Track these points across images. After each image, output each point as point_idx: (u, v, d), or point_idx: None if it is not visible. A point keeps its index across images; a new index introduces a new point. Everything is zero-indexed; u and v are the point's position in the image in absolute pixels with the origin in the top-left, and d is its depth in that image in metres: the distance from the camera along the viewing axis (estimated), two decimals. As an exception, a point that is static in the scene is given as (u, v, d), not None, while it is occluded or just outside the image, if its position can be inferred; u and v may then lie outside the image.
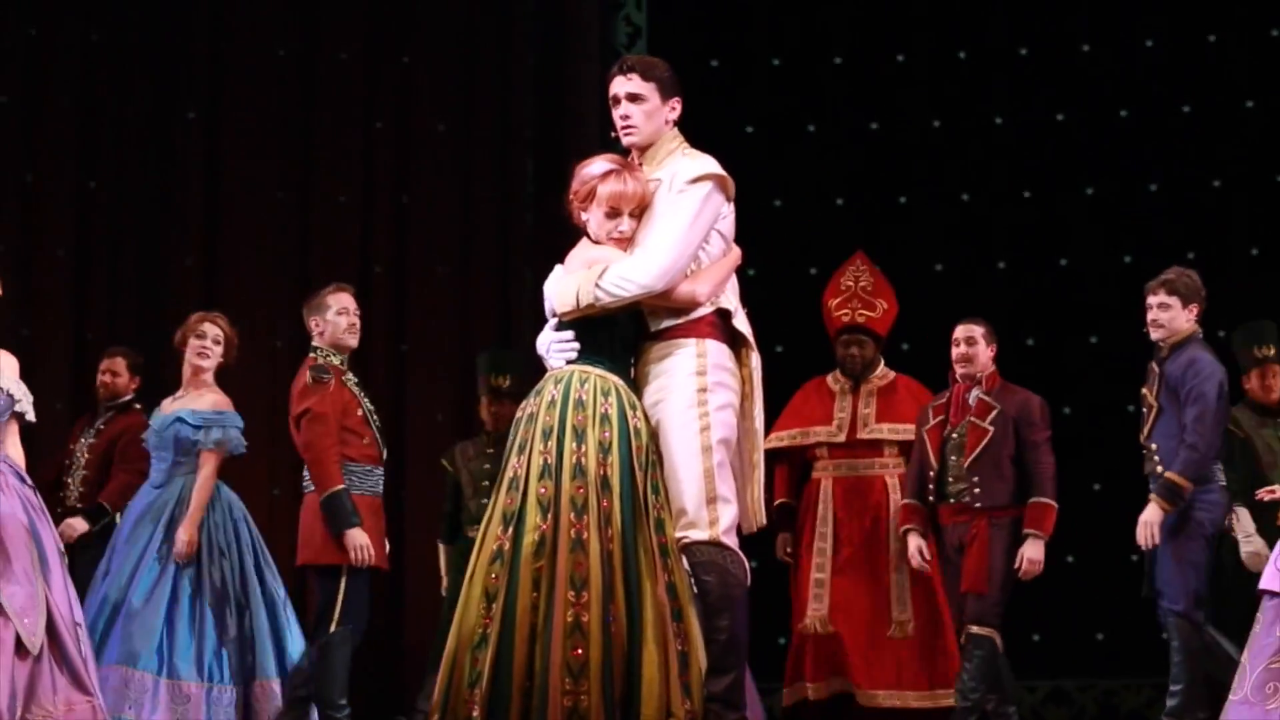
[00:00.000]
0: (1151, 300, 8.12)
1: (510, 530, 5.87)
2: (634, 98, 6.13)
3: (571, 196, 6.12)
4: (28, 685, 6.77)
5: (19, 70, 10.82)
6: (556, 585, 5.77)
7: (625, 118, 6.14)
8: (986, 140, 10.94)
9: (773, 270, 9.87)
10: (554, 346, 6.07)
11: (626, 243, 6.06)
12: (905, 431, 8.81)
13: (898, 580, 8.70)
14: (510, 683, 5.77)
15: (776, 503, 8.81)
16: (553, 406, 5.94)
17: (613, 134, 6.33)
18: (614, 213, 6.05)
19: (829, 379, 9.09)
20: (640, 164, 6.17)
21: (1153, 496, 7.95)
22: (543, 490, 5.86)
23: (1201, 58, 10.81)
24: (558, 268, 6.15)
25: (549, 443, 5.89)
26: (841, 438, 8.91)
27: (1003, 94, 10.95)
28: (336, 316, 8.31)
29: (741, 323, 6.11)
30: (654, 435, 5.97)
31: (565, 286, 6.00)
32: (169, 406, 8.54)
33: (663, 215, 6.01)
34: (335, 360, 8.29)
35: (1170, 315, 8.10)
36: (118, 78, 10.89)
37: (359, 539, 8.00)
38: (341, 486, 8.07)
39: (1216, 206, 10.73)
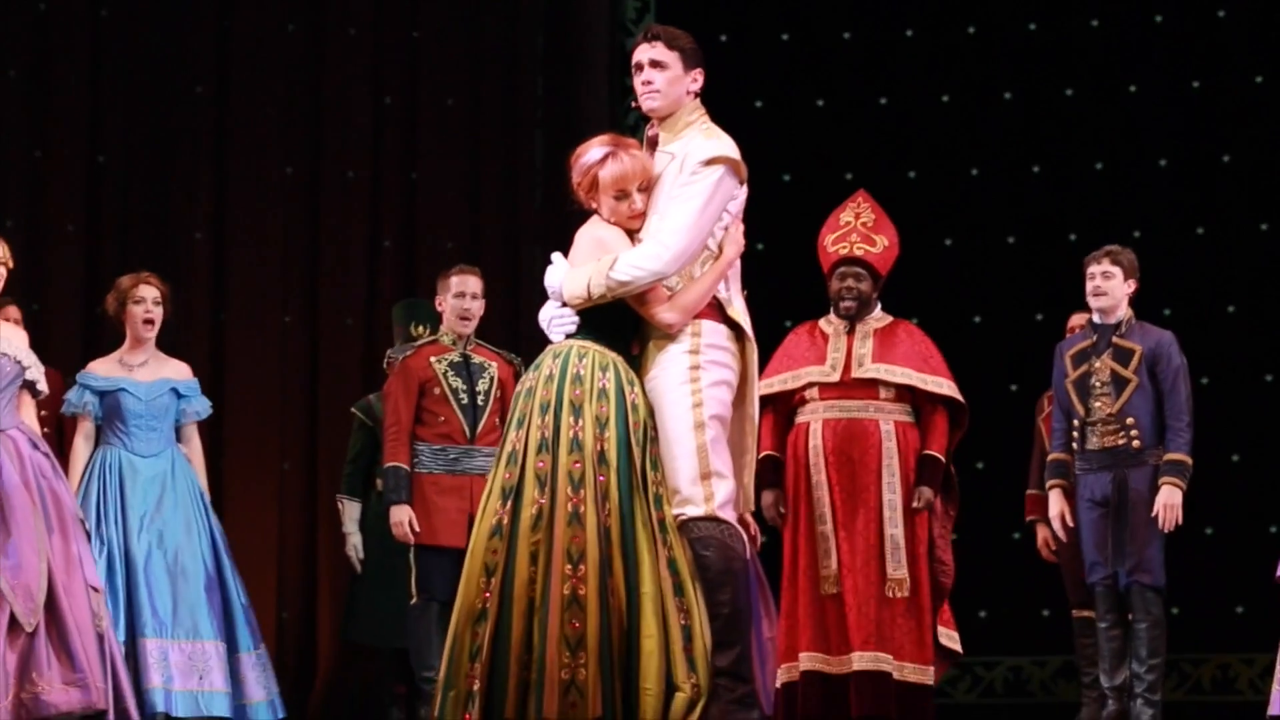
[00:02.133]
0: (1095, 269, 8.26)
1: (509, 505, 5.91)
2: (656, 64, 6.14)
3: (576, 188, 6.14)
4: (20, 662, 6.77)
5: (28, 45, 10.82)
6: (554, 559, 5.81)
7: (647, 83, 6.15)
8: (996, 115, 10.93)
9: (780, 246, 9.86)
10: (554, 321, 6.10)
11: (641, 217, 6.09)
12: (903, 374, 8.15)
13: (893, 536, 8.07)
14: (508, 656, 5.82)
15: (762, 454, 7.92)
16: (550, 381, 5.97)
17: (633, 103, 6.34)
18: (622, 194, 6.07)
19: (821, 322, 8.39)
20: (658, 133, 6.18)
21: (1170, 480, 8.01)
22: (540, 465, 5.90)
23: (1211, 33, 10.79)
24: (557, 258, 6.15)
25: (546, 417, 5.93)
26: (835, 377, 8.18)
27: (1012, 69, 10.94)
28: (453, 299, 8.50)
29: (739, 313, 6.12)
30: (652, 412, 5.99)
31: (575, 278, 6.01)
32: (120, 372, 8.38)
33: (674, 200, 6.03)
34: (446, 340, 8.48)
35: (1113, 285, 8.25)
36: (126, 53, 10.88)
37: (396, 514, 8.26)
38: (394, 464, 8.29)
39: (1224, 182, 10.71)
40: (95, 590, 7.11)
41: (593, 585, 5.79)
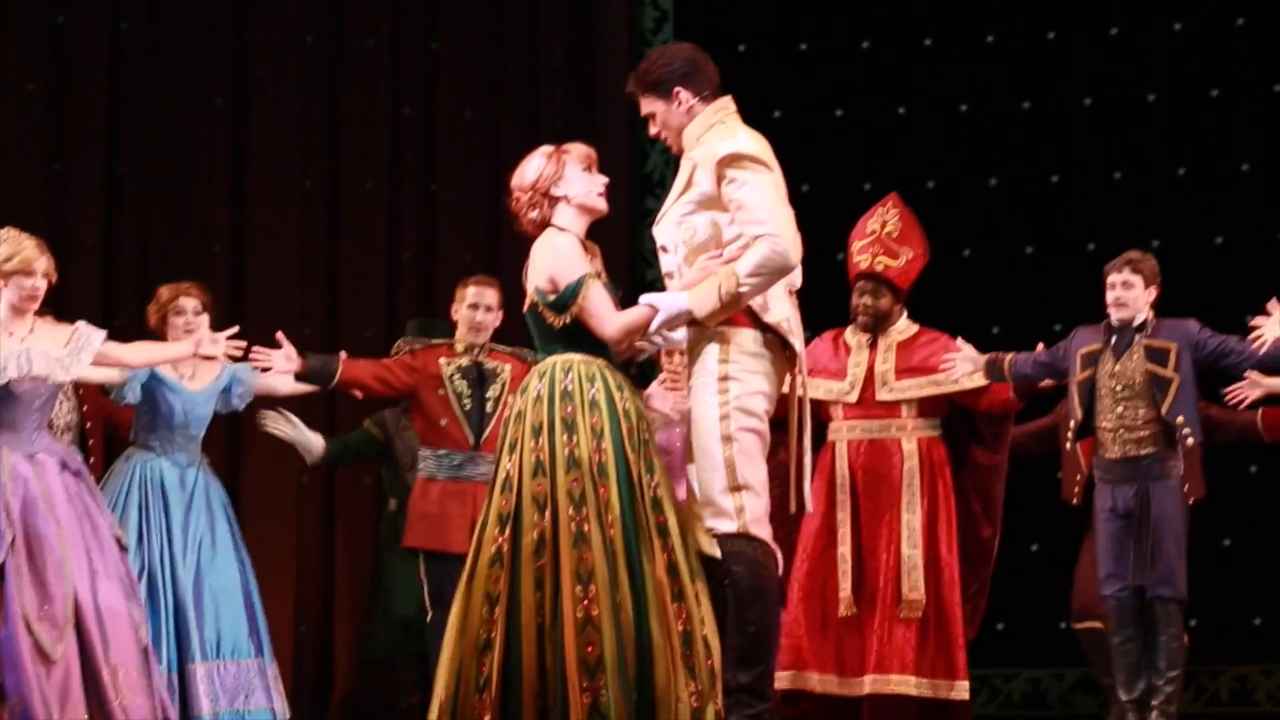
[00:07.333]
0: (1115, 279, 8.22)
1: (508, 531, 5.83)
2: (648, 116, 6.19)
3: (527, 207, 6.10)
4: (60, 692, 6.76)
5: (48, 58, 10.84)
6: (562, 582, 5.74)
7: (656, 133, 6.20)
8: (1014, 125, 10.91)
9: (801, 256, 9.83)
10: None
11: (605, 194, 6.09)
12: (926, 386, 8.18)
13: (910, 556, 8.05)
14: (521, 685, 5.74)
15: None
16: (539, 403, 5.90)
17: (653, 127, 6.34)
18: (591, 164, 6.07)
19: (847, 332, 8.39)
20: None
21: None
22: (538, 488, 5.83)
23: (1230, 41, 10.75)
24: (658, 298, 6.02)
25: (540, 439, 5.86)
26: (854, 397, 8.20)
27: (1030, 79, 10.93)
28: (467, 310, 8.53)
29: (778, 319, 6.03)
30: (643, 415, 5.95)
31: (704, 296, 5.90)
32: (174, 377, 8.37)
33: (743, 204, 5.93)
34: (459, 347, 8.49)
35: (1134, 295, 8.21)
36: (145, 66, 10.90)
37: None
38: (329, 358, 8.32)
39: (1243, 191, 10.69)
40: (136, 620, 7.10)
41: (604, 605, 5.73)
